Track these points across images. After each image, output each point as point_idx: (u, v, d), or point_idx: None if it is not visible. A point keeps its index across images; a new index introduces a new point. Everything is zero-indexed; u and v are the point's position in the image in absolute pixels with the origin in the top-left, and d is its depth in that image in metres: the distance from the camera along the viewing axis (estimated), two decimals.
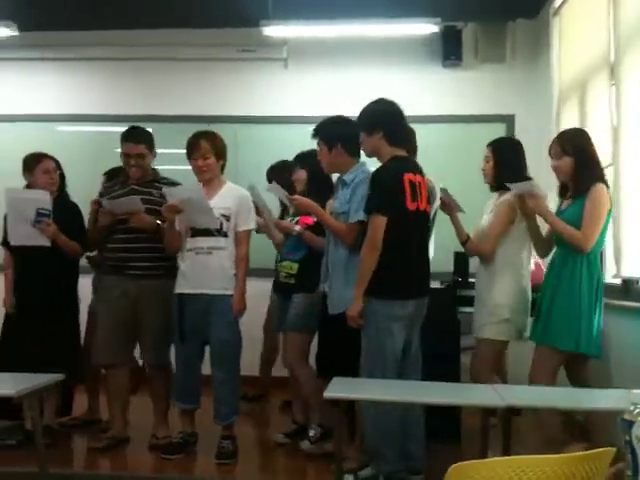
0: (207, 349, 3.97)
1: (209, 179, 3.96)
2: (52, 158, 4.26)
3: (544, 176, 3.96)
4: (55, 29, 6.04)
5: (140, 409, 4.31)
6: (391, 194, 3.36)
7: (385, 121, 3.45)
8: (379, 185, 3.39)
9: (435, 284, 3.70)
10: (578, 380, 3.49)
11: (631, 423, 1.45)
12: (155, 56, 6.14)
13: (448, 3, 5.44)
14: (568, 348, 3.37)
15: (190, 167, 4.01)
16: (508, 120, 5.86)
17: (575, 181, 3.46)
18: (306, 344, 4.11)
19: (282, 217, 4.51)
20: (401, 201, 3.35)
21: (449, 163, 5.57)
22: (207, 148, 3.91)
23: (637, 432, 1.44)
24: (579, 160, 3.42)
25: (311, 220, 4.03)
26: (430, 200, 3.68)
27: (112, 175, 4.55)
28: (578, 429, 3.49)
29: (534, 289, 3.75)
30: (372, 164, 3.64)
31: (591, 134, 3.56)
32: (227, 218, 3.90)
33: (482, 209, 3.94)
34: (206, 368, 3.99)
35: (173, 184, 4.07)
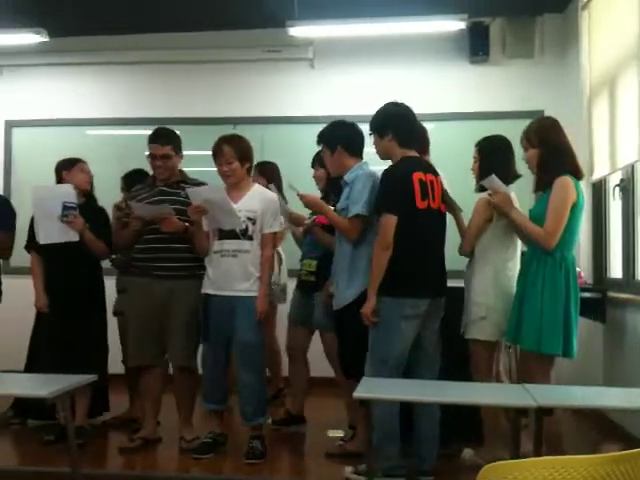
0: None
1: (235, 183, 3.97)
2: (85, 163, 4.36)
3: None
4: (84, 34, 6.13)
5: (165, 409, 4.31)
6: (400, 193, 3.38)
7: (394, 123, 3.50)
8: (388, 185, 3.43)
9: (454, 282, 3.63)
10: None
11: None
12: (181, 59, 6.19)
13: None
14: (529, 348, 3.29)
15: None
16: (537, 116, 5.78)
17: (539, 173, 3.36)
18: None
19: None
20: (411, 200, 3.37)
21: None
22: (230, 153, 3.91)
23: None
24: (544, 151, 3.33)
25: (326, 220, 4.03)
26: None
27: (130, 178, 4.61)
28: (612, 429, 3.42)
29: None
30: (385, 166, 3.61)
31: (622, 129, 3.48)
32: (253, 221, 3.90)
33: None
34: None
35: (200, 185, 4.09)
